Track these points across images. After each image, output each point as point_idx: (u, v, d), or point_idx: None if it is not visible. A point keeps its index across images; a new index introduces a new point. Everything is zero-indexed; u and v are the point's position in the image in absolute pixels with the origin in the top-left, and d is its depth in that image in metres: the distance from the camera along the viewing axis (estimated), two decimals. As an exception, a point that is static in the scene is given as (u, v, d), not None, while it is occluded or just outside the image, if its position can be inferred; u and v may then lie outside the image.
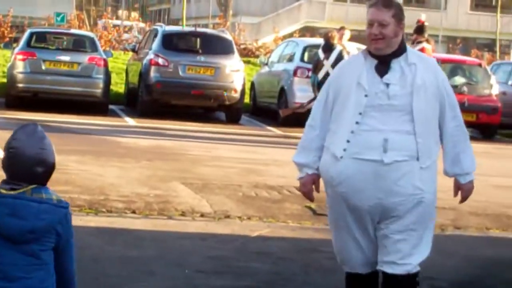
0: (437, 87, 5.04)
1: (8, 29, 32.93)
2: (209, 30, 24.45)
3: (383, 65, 5.04)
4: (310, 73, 18.68)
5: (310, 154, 5.20)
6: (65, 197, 3.67)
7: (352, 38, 17.83)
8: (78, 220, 3.56)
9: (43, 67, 19.28)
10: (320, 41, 20.07)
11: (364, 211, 5.05)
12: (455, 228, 9.70)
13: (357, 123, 4.96)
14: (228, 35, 21.95)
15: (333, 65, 15.82)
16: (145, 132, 16.96)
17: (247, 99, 21.56)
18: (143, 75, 19.72)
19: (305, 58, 19.95)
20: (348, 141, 4.97)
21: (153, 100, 19.63)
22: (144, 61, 19.88)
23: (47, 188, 3.59)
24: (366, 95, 4.98)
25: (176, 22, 57.81)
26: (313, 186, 5.28)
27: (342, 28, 17.39)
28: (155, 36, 20.64)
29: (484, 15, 57.99)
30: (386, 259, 5.10)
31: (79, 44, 20.49)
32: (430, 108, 5.01)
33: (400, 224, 5.05)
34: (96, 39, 21.56)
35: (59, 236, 3.56)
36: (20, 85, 19.19)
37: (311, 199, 5.39)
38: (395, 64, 5.03)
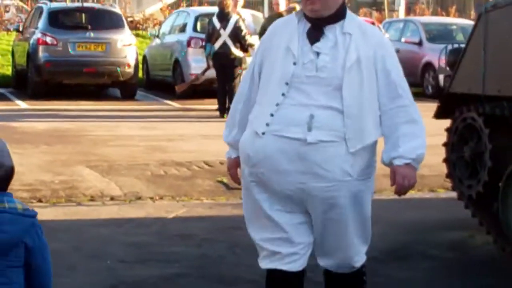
0: (374, 63, 4.36)
1: None
2: (96, 5, 23.88)
3: (315, 31, 4.40)
4: (204, 43, 18.42)
5: (232, 131, 4.67)
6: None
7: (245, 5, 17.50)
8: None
9: None
10: (211, 9, 19.90)
11: (284, 197, 4.45)
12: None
13: (283, 95, 4.36)
14: (117, 9, 21.71)
15: (231, 35, 15.60)
16: (39, 115, 16.43)
17: (140, 74, 21.16)
18: (31, 55, 19.25)
19: (198, 28, 19.65)
20: (272, 115, 4.35)
21: (44, 81, 19.19)
22: (31, 41, 19.41)
23: (10, 195, 3.21)
24: (294, 63, 4.37)
25: (55, -2, 56.54)
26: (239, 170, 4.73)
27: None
28: (40, 14, 20.12)
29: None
30: (321, 256, 4.63)
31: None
32: (365, 86, 4.36)
33: (328, 214, 4.45)
34: (-22, 21, 20.82)
35: (29, 250, 3.20)
36: None
37: (238, 183, 4.77)
38: (329, 31, 4.38)
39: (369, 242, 4.70)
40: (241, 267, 6.16)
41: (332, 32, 4.39)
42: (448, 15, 36.53)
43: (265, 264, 4.61)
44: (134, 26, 30.56)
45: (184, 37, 19.86)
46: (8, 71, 22.41)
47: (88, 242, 7.33)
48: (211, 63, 16.24)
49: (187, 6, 32.83)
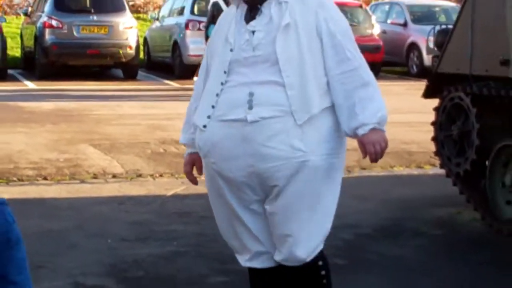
0: (316, 26, 3.84)
1: None
2: (100, -10, 23.65)
3: (253, 11, 3.93)
4: (201, 26, 18.13)
5: (188, 130, 4.18)
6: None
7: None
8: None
9: None
10: (207, -8, 19.71)
11: (241, 184, 3.96)
12: (361, 168, 9.42)
13: (222, 84, 3.92)
14: (119, -7, 21.29)
15: None
16: (46, 95, 16.26)
17: (141, 55, 20.96)
18: (38, 38, 19.11)
19: (195, 11, 19.56)
20: (213, 107, 3.91)
21: (50, 62, 19.06)
22: (38, 24, 19.28)
23: None
24: (231, 50, 3.93)
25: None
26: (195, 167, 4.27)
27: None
28: (46, -2, 19.93)
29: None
30: (277, 247, 4.06)
31: (-29, 13, 19.57)
32: (305, 52, 3.83)
33: (283, 198, 3.92)
34: (-13, 6, 20.62)
35: None
36: None
37: (193, 182, 4.35)
38: (266, 7, 3.90)
39: (326, 232, 4.05)
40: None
41: (268, 7, 3.90)
42: (431, -3, 36.35)
43: (243, 262, 4.24)
44: (135, 10, 30.36)
45: (182, 19, 19.75)
46: (17, 53, 22.33)
47: (90, 221, 7.11)
48: None
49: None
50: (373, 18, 21.21)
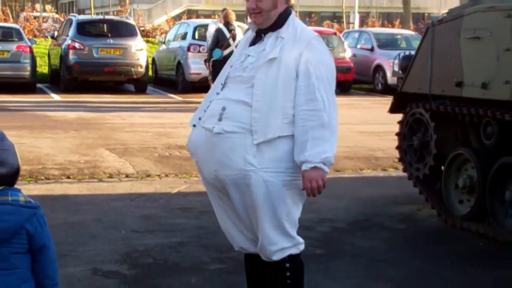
0: (297, 64, 3.72)
1: None
2: (115, 17, 23.54)
3: (257, 38, 3.93)
4: (201, 49, 18.03)
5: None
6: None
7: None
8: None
9: (-23, 56, 18.24)
10: (206, 21, 19.61)
11: (212, 184, 3.97)
12: (335, 171, 9.34)
13: (217, 93, 3.91)
14: (131, 21, 21.30)
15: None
16: (69, 106, 16.12)
17: (150, 73, 20.83)
18: (63, 57, 18.88)
19: (196, 36, 19.34)
20: (204, 111, 3.91)
21: (73, 78, 18.84)
22: (63, 46, 19.04)
23: (16, 189, 2.87)
24: (231, 66, 3.95)
25: (83, 11, 56.31)
26: None
27: (224, 10, 16.60)
28: (71, 24, 19.75)
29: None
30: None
31: (7, 35, 19.31)
32: (280, 84, 3.73)
33: (242, 200, 3.87)
34: (21, 29, 20.45)
35: (31, 237, 2.84)
36: (-42, 72, 18.19)
37: None
38: (267, 38, 3.87)
39: (291, 237, 3.91)
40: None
41: (267, 38, 3.86)
42: (393, 27, 36.40)
43: (235, 247, 4.19)
44: (145, 34, 30.21)
45: (185, 43, 19.56)
46: (45, 70, 22.11)
47: (107, 214, 7.03)
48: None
49: (187, 18, 32.61)
50: (345, 43, 21.17)
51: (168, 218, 6.95)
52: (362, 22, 40.60)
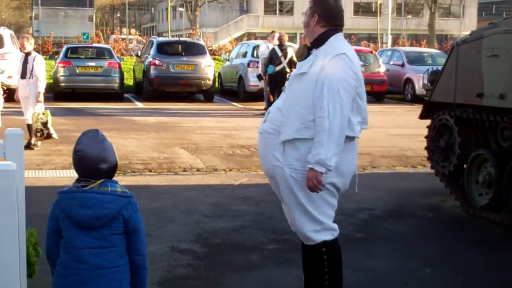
0: (317, 78, 3.60)
1: (51, 45, 31.90)
2: (188, 39, 23.69)
3: (308, 54, 3.84)
4: (259, 65, 18.00)
5: None
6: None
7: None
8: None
9: (77, 71, 18.48)
10: (261, 42, 19.54)
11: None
12: (372, 167, 9.25)
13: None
14: (201, 42, 21.39)
15: (288, 63, 15.00)
16: (150, 112, 16.28)
17: (216, 85, 20.89)
18: (146, 72, 19.06)
19: (254, 54, 19.27)
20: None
21: (154, 89, 18.98)
22: (146, 63, 19.21)
23: (114, 181, 2.91)
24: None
25: (161, 34, 56.87)
26: None
27: (272, 32, 16.66)
28: (152, 45, 19.95)
29: (365, 18, 58.33)
30: None
31: (100, 54, 19.69)
32: (303, 93, 3.64)
33: (277, 191, 3.85)
34: (111, 49, 20.74)
35: (126, 221, 2.88)
36: (62, 84, 18.44)
37: None
38: (313, 54, 3.77)
39: (319, 222, 3.76)
40: (287, 221, 5.89)
41: (313, 54, 3.78)
42: (420, 46, 35.89)
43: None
44: (212, 53, 30.32)
45: (245, 60, 19.58)
46: (131, 82, 22.35)
47: (182, 202, 7.06)
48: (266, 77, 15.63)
49: (247, 40, 32.65)
50: (380, 60, 20.92)
51: (232, 205, 6.95)
52: (394, 42, 40.10)
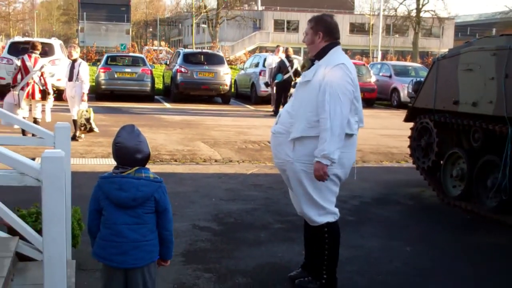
0: (319, 85, 3.60)
1: (94, 54, 32.02)
2: (209, 51, 23.62)
3: (312, 64, 3.81)
4: (265, 74, 17.95)
5: None
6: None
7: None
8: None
9: (116, 76, 18.45)
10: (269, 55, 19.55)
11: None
12: (363, 162, 9.22)
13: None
14: (221, 53, 21.33)
15: (293, 72, 15.06)
16: (177, 111, 16.25)
17: (232, 89, 20.86)
18: (173, 78, 19.01)
19: (265, 65, 19.19)
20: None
21: (179, 92, 18.88)
22: (173, 70, 19.15)
23: (147, 169, 2.92)
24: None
25: (186, 46, 56.86)
26: None
27: (278, 46, 16.78)
28: (179, 55, 19.88)
29: (359, 36, 58.02)
30: None
31: (135, 62, 19.62)
32: (308, 98, 3.65)
33: (288, 182, 3.87)
34: (144, 58, 20.63)
35: (157, 202, 2.88)
36: (103, 86, 18.44)
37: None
38: (316, 64, 3.76)
39: (323, 208, 3.79)
40: (291, 206, 5.91)
41: (316, 64, 3.76)
42: (406, 60, 35.74)
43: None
44: (230, 63, 30.38)
45: (257, 69, 19.46)
46: (160, 86, 22.31)
47: (202, 187, 7.07)
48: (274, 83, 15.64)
49: (259, 52, 32.61)
50: (371, 72, 20.84)
51: (244, 191, 6.95)
52: (383, 57, 39.94)
